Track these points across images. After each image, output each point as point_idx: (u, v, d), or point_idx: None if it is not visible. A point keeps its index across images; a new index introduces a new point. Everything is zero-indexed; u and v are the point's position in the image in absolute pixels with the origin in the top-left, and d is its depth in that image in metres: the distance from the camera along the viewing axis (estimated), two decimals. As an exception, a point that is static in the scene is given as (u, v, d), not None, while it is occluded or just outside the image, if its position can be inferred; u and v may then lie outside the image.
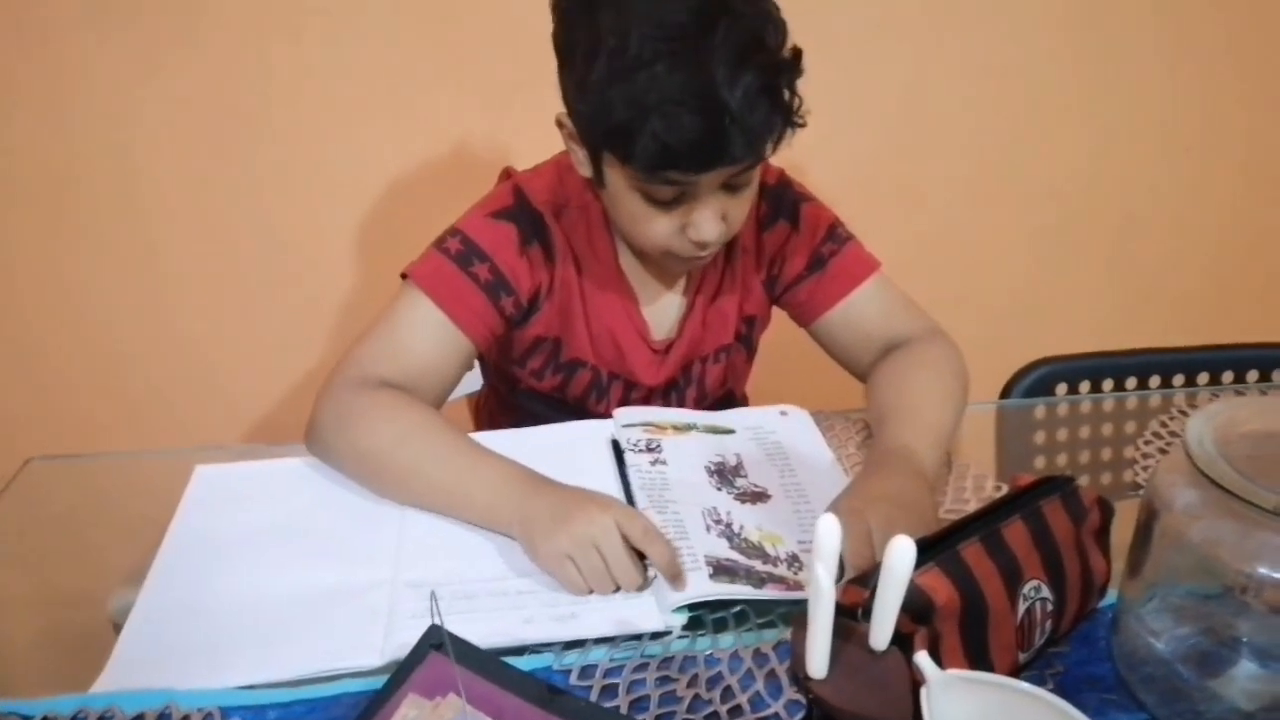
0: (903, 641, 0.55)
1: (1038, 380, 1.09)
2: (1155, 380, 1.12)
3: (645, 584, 0.72)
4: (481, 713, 0.58)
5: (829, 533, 0.51)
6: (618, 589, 0.72)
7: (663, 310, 1.01)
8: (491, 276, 0.91)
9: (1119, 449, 0.98)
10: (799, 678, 0.52)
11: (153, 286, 1.47)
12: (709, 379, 1.05)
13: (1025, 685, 0.51)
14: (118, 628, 0.70)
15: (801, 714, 0.61)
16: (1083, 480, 0.93)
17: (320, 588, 0.73)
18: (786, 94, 0.79)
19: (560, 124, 0.87)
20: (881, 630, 0.52)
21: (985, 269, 1.68)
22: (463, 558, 0.76)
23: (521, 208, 0.94)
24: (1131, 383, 1.12)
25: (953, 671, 0.52)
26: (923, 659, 0.52)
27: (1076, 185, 1.64)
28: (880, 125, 1.55)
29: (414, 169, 1.42)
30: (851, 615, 0.55)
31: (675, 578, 0.71)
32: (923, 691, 0.51)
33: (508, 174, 1.00)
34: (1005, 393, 1.11)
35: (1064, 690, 0.63)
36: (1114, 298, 1.74)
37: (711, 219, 0.84)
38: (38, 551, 0.82)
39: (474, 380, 1.18)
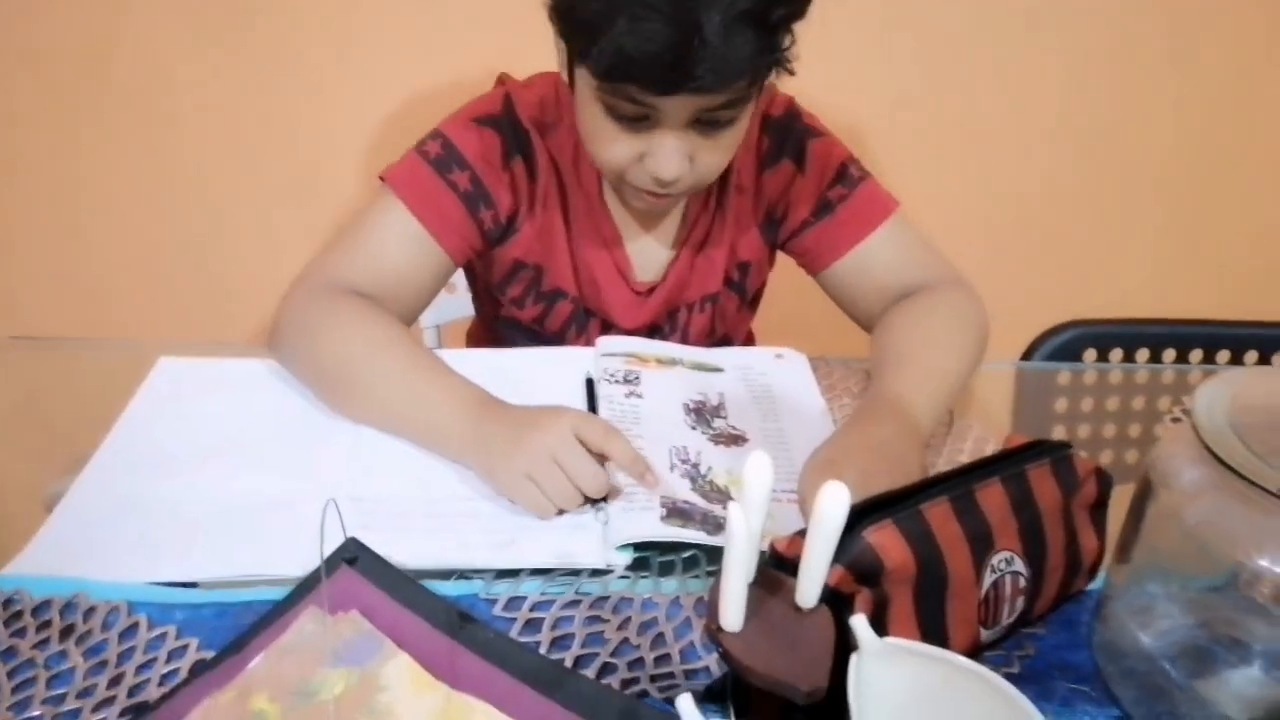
0: (841, 602, 0.49)
1: (1066, 343, 1.00)
2: (1197, 355, 1.02)
3: (612, 490, 0.68)
4: (382, 632, 0.54)
5: (757, 471, 0.45)
6: (587, 502, 0.68)
7: (649, 250, 0.94)
8: (471, 187, 0.86)
9: (1148, 425, 0.90)
10: (710, 629, 0.46)
11: (163, 183, 1.45)
12: (694, 327, 0.97)
13: (968, 662, 0.45)
14: (50, 513, 0.68)
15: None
16: (1104, 456, 0.86)
17: (258, 494, 0.69)
18: (776, 30, 0.71)
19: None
20: (809, 585, 0.47)
21: (1026, 219, 1.55)
22: (411, 478, 0.72)
23: (509, 117, 0.88)
24: (1170, 355, 1.02)
25: (889, 640, 0.47)
26: (858, 623, 0.46)
27: (1136, 140, 1.50)
28: (922, 60, 1.44)
29: (431, 80, 1.36)
30: (789, 569, 0.49)
31: (643, 475, 0.66)
32: (853, 658, 0.45)
33: (501, 81, 0.94)
34: (1028, 354, 1.02)
35: (1032, 675, 0.57)
36: (1163, 263, 1.60)
37: (671, 154, 0.76)
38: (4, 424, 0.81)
39: (466, 306, 1.13)
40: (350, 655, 0.53)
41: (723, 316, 0.99)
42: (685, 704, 0.44)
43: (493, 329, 1.04)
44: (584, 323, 0.96)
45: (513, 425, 0.70)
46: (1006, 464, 0.58)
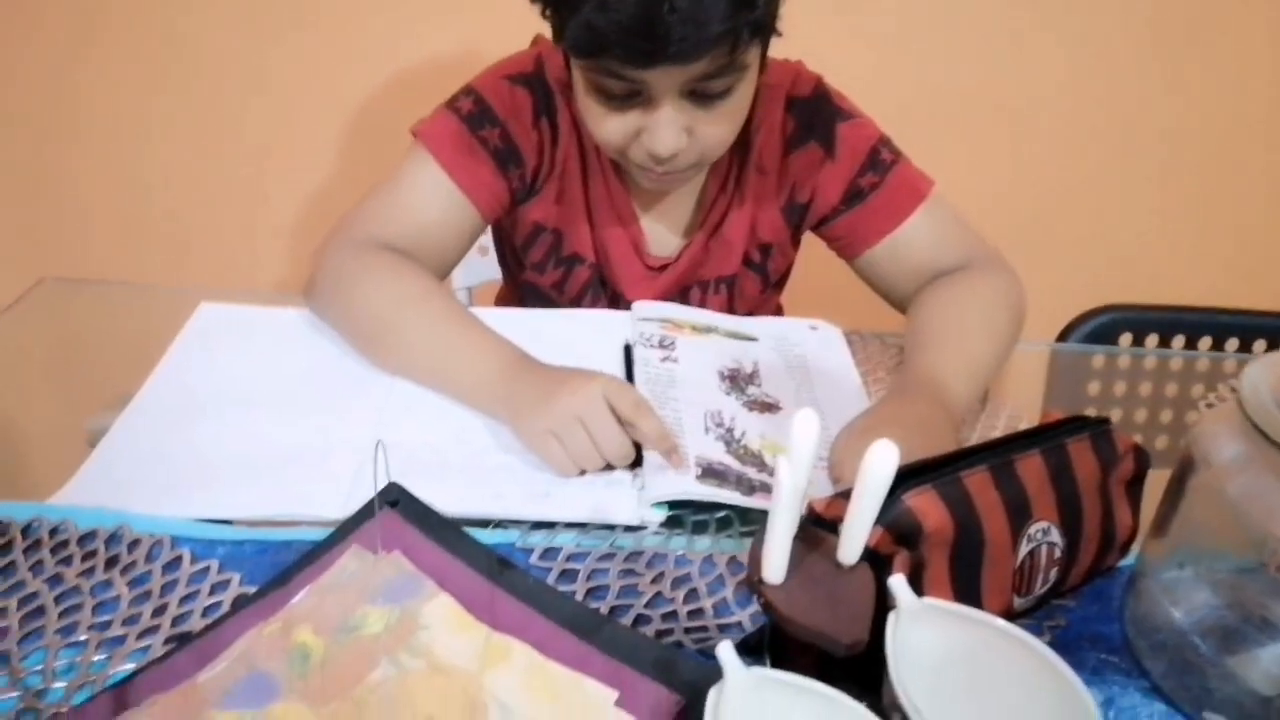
0: (880, 562, 0.50)
1: (1101, 327, 1.00)
2: (1233, 344, 1.02)
3: (636, 460, 0.68)
4: (424, 573, 0.55)
5: (805, 427, 0.45)
6: (608, 467, 0.68)
7: (665, 226, 0.94)
8: (502, 144, 0.86)
9: (1180, 412, 0.90)
10: (752, 580, 0.47)
11: (194, 125, 1.46)
12: (709, 307, 0.96)
13: (1007, 625, 0.46)
14: (93, 448, 0.69)
15: (755, 629, 0.56)
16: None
17: (296, 437, 0.70)
18: None
19: None
20: (852, 543, 0.47)
21: (1065, 200, 1.53)
22: (447, 428, 0.73)
23: (539, 77, 0.88)
24: (1205, 343, 1.02)
25: (928, 600, 0.47)
26: (897, 583, 0.47)
27: (1178, 124, 1.48)
28: (956, 37, 1.42)
29: (469, 31, 1.35)
30: (829, 528, 0.50)
31: (669, 452, 0.67)
32: (891, 616, 0.46)
33: (536, 41, 0.94)
34: (1064, 336, 1.02)
35: (1062, 645, 0.58)
36: (1203, 249, 1.57)
37: (666, 128, 0.75)
38: (35, 366, 0.82)
39: (496, 270, 1.13)
40: (392, 594, 0.54)
41: (742, 297, 0.98)
42: (725, 652, 0.44)
43: (517, 294, 1.04)
44: (600, 292, 0.96)
45: (543, 382, 0.71)
46: (1046, 436, 0.58)
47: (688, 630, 0.57)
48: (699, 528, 0.65)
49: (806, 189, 0.92)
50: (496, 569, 0.55)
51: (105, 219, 1.50)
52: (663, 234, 0.95)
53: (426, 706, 0.47)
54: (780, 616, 0.45)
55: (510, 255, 1.01)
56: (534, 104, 0.87)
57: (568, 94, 0.88)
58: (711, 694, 0.43)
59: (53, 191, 1.47)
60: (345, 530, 0.57)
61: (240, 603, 0.53)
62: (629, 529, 0.64)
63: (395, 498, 0.59)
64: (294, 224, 1.53)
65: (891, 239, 0.90)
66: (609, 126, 0.78)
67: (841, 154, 0.90)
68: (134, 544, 0.60)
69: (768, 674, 0.44)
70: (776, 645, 0.50)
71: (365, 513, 0.58)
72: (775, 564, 0.46)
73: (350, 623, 0.52)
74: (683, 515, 0.66)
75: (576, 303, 0.97)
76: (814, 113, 0.90)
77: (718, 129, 0.79)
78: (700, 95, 0.75)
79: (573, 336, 0.85)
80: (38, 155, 1.45)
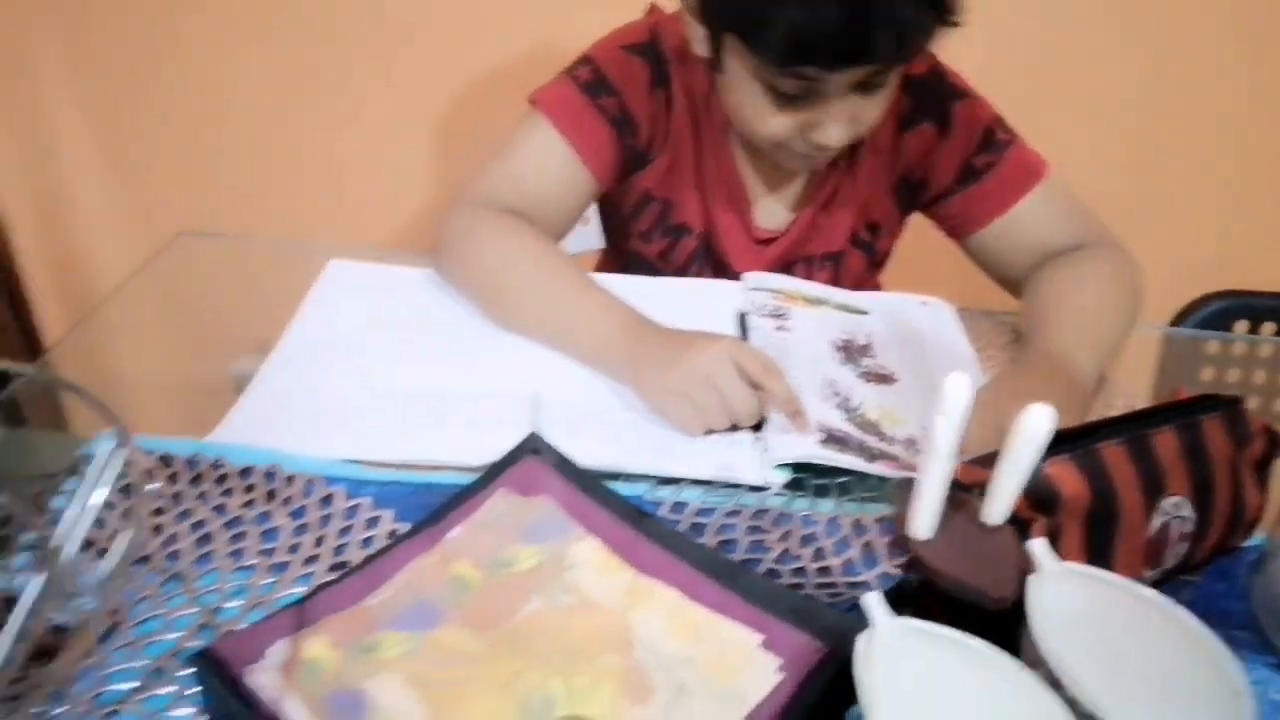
0: (1019, 526, 0.51)
1: (1217, 313, 0.99)
2: (1354, 335, 1.00)
3: (761, 420, 0.70)
4: (569, 517, 0.58)
5: (958, 389, 0.47)
6: (732, 428, 0.70)
7: (775, 200, 0.95)
8: (618, 112, 0.88)
9: (1294, 402, 0.89)
10: (900, 536, 0.48)
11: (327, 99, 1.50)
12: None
13: (1150, 592, 0.47)
14: (238, 391, 0.73)
15: (892, 584, 0.58)
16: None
17: (433, 386, 0.74)
18: None
19: None
20: (999, 503, 0.48)
21: (1183, 183, 1.50)
22: (573, 384, 0.75)
23: (654, 47, 0.89)
24: (1323, 331, 1.00)
25: (1069, 564, 0.48)
26: (1039, 545, 0.48)
27: None
28: (1070, 19, 1.40)
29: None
30: (966, 492, 0.51)
31: (795, 415, 0.68)
32: (1031, 579, 0.47)
33: (653, 9, 0.95)
34: (1177, 320, 1.01)
35: (1186, 620, 0.58)
36: None
37: (839, 122, 0.77)
38: (179, 315, 0.86)
39: (596, 239, 1.16)
40: (540, 534, 0.56)
41: (847, 274, 0.99)
42: (874, 600, 0.46)
43: (620, 263, 1.06)
44: (706, 263, 0.98)
45: (669, 344, 0.73)
46: (1179, 412, 0.59)
47: (818, 587, 0.58)
48: (820, 492, 0.67)
49: (919, 168, 0.93)
50: (636, 516, 0.58)
51: (233, 177, 1.55)
52: (772, 207, 0.96)
53: (578, 638, 0.50)
54: (931, 571, 0.47)
55: (616, 223, 1.03)
56: (650, 74, 0.89)
57: (683, 64, 0.89)
58: (860, 640, 0.45)
59: (182, 152, 1.53)
60: (491, 475, 0.60)
61: (398, 537, 0.56)
62: (752, 489, 0.66)
63: (536, 446, 0.62)
64: (410, 187, 1.57)
65: (1005, 219, 0.90)
66: (776, 123, 0.80)
67: (956, 133, 0.90)
68: (288, 480, 0.64)
69: (915, 624, 0.46)
70: (918, 599, 0.51)
71: (510, 459, 0.61)
72: (926, 520, 0.47)
73: (503, 558, 0.55)
74: (804, 479, 0.67)
75: (681, 273, 0.99)
76: (929, 92, 0.90)
77: (876, 114, 0.81)
78: (867, 85, 0.77)
79: (683, 304, 0.86)
80: (166, 120, 1.51)
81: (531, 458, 0.61)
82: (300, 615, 0.49)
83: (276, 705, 0.45)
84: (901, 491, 0.51)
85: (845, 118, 0.78)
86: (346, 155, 1.54)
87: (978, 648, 0.45)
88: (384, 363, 0.76)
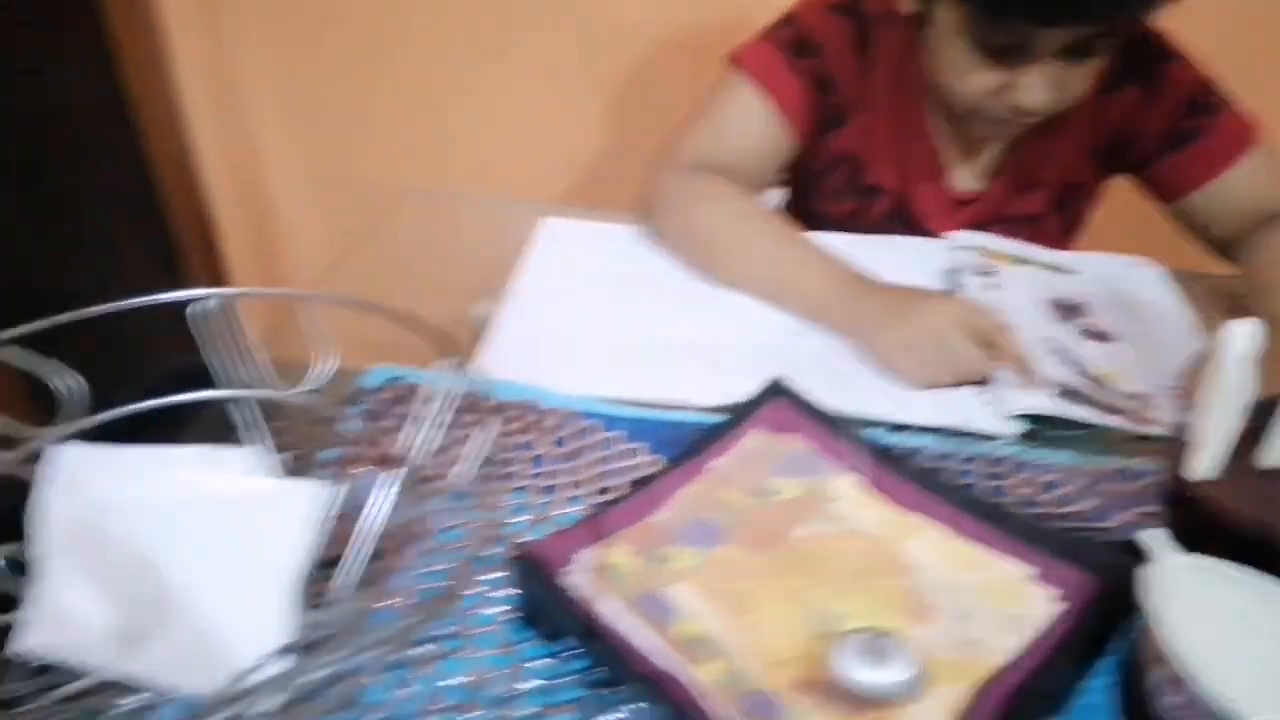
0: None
1: None
2: None
3: (990, 377, 0.71)
4: (823, 454, 0.61)
5: (1245, 330, 0.48)
6: (957, 384, 0.71)
7: (973, 161, 0.96)
8: (819, 71, 0.89)
9: None
10: (1174, 479, 0.50)
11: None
12: None
13: None
14: (478, 335, 0.78)
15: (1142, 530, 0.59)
16: None
17: (667, 332, 0.78)
18: None
19: None
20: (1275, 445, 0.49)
21: None
22: (802, 335, 0.78)
23: (857, 7, 0.91)
24: None
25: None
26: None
27: None
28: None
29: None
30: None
31: (1027, 373, 0.69)
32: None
33: None
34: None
35: None
36: None
37: (1042, 85, 0.77)
38: (414, 266, 0.93)
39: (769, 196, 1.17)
40: (798, 469, 0.60)
41: (1044, 238, 0.98)
42: (1155, 537, 0.48)
43: (802, 222, 1.08)
44: (897, 224, 0.98)
45: (896, 299, 0.75)
46: None
47: (1066, 530, 0.60)
48: (1053, 443, 0.68)
49: (1123, 132, 0.92)
50: (889, 457, 0.60)
51: (412, 136, 1.63)
52: (969, 169, 0.96)
53: (853, 562, 0.53)
54: (1219, 509, 0.48)
55: (803, 182, 1.05)
56: (852, 34, 0.90)
57: (885, 25, 0.90)
58: (1144, 574, 0.47)
59: (362, 106, 1.62)
60: (741, 414, 0.64)
61: (663, 466, 0.60)
62: (984, 438, 0.68)
63: (780, 390, 0.65)
64: (583, 147, 1.61)
65: (1216, 184, 0.88)
66: (975, 80, 0.81)
67: (1164, 95, 0.89)
68: (546, 413, 0.69)
69: (1197, 561, 0.47)
70: (1185, 543, 0.53)
71: (758, 401, 0.65)
72: (1211, 460, 0.49)
73: (765, 488, 0.58)
74: (1038, 430, 0.69)
75: (871, 233, 1.00)
76: (1135, 52, 0.89)
77: (1081, 85, 0.81)
78: (1074, 52, 0.77)
79: (886, 261, 0.87)
80: (343, 73, 1.60)
81: (778, 400, 0.65)
82: (595, 528, 0.54)
83: (591, 602, 0.49)
84: (1174, 437, 0.52)
85: (1049, 81, 0.78)
86: (527, 112, 1.59)
87: (1267, 584, 0.46)
88: (615, 310, 0.81)
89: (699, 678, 0.46)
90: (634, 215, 0.93)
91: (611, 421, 0.68)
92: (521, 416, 0.68)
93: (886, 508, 0.57)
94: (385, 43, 1.56)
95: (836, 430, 0.62)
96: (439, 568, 0.56)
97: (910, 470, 0.59)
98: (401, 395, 0.71)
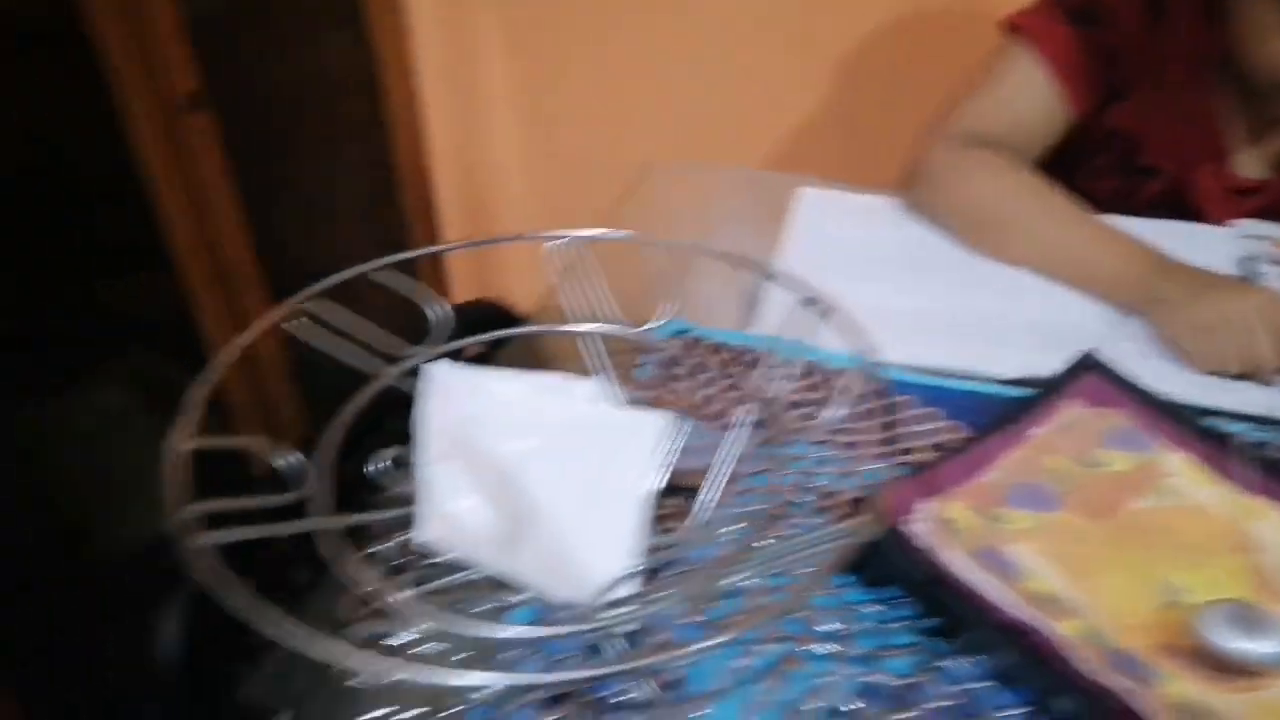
0: None
1: None
2: None
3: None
4: (1148, 430, 0.59)
5: None
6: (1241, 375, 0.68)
7: (1261, 147, 0.90)
8: (1106, 44, 0.85)
9: None
10: None
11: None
12: None
13: None
14: (750, 299, 0.79)
15: None
16: None
17: (951, 303, 0.78)
18: None
19: None
20: None
21: None
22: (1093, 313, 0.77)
23: None
24: None
25: None
26: None
27: None
28: None
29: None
30: None
31: None
32: None
33: None
34: None
35: None
36: None
37: None
38: (670, 237, 0.94)
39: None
40: (1124, 442, 0.58)
41: None
42: None
43: None
44: (1167, 208, 0.93)
45: (1201, 283, 0.72)
46: None
47: None
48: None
49: None
50: (1218, 437, 0.58)
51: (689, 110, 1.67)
52: (1255, 155, 0.91)
53: (1195, 536, 0.52)
54: None
55: (1066, 157, 1.01)
56: (1145, 4, 0.86)
57: None
58: None
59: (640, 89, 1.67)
60: (1054, 386, 0.63)
61: (982, 430, 0.60)
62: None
63: (1094, 364, 0.64)
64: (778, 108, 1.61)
65: None
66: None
67: None
68: (836, 373, 0.69)
69: None
70: None
71: (1070, 375, 0.63)
72: None
73: (1092, 459, 0.57)
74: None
75: (1136, 214, 0.96)
76: None
77: None
78: None
79: (1167, 247, 0.84)
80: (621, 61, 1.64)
81: (1091, 375, 0.63)
82: (929, 483, 0.54)
83: (934, 551, 0.50)
84: None
85: None
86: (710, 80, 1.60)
87: None
88: (892, 281, 0.81)
89: (1060, 631, 0.46)
90: (890, 187, 0.92)
91: (901, 387, 0.68)
92: (810, 374, 0.69)
93: (1224, 487, 0.55)
94: (619, 21, 1.59)
95: (1160, 408, 0.60)
96: (754, 508, 0.58)
97: (1247, 451, 0.57)
98: (688, 347, 0.73)
